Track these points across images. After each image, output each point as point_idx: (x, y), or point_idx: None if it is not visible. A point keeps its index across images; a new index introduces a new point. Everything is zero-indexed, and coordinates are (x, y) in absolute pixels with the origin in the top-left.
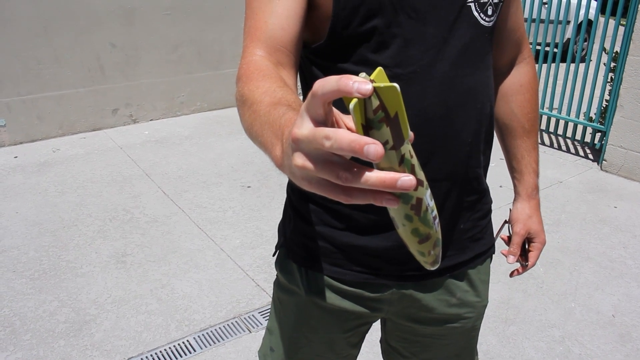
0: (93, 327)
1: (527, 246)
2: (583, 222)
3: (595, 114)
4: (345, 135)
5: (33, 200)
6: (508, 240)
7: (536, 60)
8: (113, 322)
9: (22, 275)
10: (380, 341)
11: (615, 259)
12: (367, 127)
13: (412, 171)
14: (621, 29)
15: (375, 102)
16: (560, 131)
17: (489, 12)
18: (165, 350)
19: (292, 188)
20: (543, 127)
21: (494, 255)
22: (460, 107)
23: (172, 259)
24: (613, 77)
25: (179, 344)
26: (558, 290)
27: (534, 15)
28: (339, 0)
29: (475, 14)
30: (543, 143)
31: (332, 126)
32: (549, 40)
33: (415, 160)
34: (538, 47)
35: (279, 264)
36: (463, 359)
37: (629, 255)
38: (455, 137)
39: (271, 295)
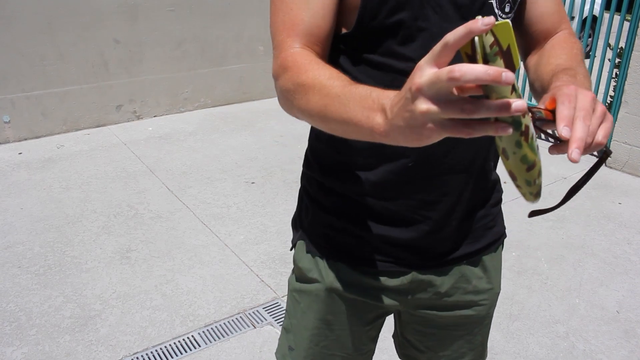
0: (98, 322)
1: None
2: (587, 218)
3: None
4: (476, 66)
5: (38, 196)
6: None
7: None
8: (118, 318)
9: (28, 271)
10: (394, 336)
11: (619, 255)
12: (485, 61)
13: (520, 98)
14: (626, 25)
15: (491, 39)
16: None
17: (507, 9)
18: (170, 345)
19: (308, 180)
20: None
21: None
22: None
23: (177, 254)
24: (618, 73)
25: (183, 339)
26: (562, 286)
27: None
28: None
29: (497, 11)
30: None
31: None
32: None
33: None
34: None
35: (298, 257)
36: (476, 352)
37: (633, 252)
38: None
39: (275, 291)
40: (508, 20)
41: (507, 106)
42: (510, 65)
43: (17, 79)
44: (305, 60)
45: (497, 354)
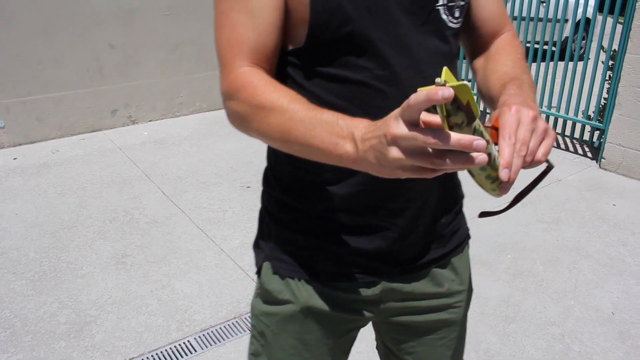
0: (94, 328)
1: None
2: (582, 220)
3: (593, 112)
4: (450, 137)
5: (33, 202)
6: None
7: (535, 58)
8: (114, 323)
9: (22, 277)
10: (377, 347)
11: (614, 256)
12: (448, 115)
13: (482, 136)
14: (619, 27)
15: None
16: (559, 129)
17: (456, 14)
18: (166, 350)
19: (269, 199)
20: None
21: (489, 254)
22: None
23: (172, 259)
24: (611, 75)
25: (179, 345)
26: (557, 288)
27: (532, 14)
28: (315, 5)
29: (444, 17)
30: None
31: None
32: (547, 38)
33: (482, 127)
34: (536, 46)
35: (265, 279)
36: (455, 356)
37: (627, 253)
38: None
39: None
40: (465, 82)
41: (472, 161)
42: (470, 115)
43: (13, 84)
44: (259, 81)
45: (492, 356)
